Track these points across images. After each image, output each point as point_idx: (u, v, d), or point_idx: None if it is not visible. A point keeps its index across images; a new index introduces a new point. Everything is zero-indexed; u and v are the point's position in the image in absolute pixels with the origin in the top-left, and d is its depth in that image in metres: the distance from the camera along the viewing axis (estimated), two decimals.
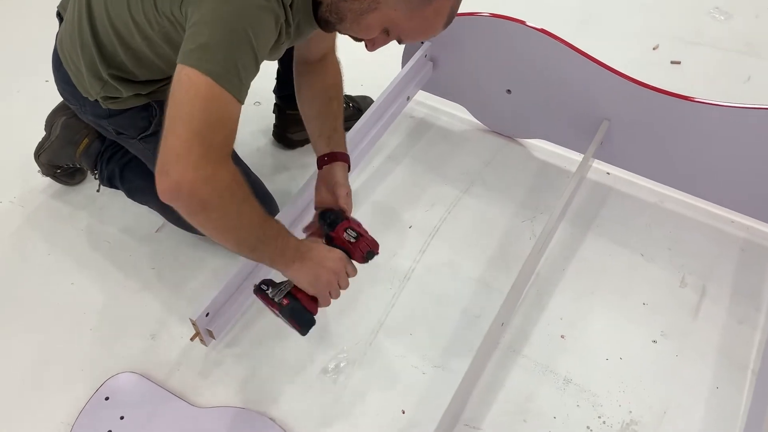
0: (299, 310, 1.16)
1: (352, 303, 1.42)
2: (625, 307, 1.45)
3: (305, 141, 1.75)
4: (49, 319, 1.43)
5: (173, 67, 1.24)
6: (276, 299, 1.15)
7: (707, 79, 1.99)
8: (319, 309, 1.19)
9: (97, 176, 1.57)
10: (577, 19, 2.22)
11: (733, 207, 1.57)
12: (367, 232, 1.26)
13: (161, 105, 1.31)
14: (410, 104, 1.78)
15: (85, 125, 1.52)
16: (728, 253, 1.55)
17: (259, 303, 1.21)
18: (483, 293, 1.47)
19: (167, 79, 1.29)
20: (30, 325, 1.42)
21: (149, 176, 1.45)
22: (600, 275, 1.51)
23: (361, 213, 1.62)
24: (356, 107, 1.78)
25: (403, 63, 1.74)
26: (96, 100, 1.29)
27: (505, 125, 1.79)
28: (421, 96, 1.85)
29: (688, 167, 1.54)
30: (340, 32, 1.13)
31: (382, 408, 1.29)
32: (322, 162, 1.34)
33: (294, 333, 1.18)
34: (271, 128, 1.79)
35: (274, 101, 1.73)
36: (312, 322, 1.18)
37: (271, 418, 1.27)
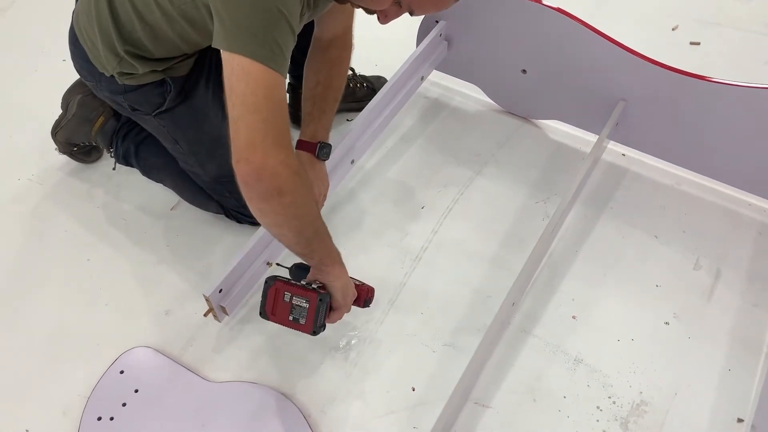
0: (327, 305, 1.17)
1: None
2: (638, 289, 1.44)
3: None
4: (66, 295, 1.46)
5: (190, 44, 1.25)
6: (314, 285, 1.16)
7: (727, 60, 1.95)
8: None
9: (112, 154, 1.58)
10: None
11: (751, 190, 1.54)
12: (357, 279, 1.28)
13: (176, 81, 1.32)
14: (424, 84, 1.78)
15: (101, 103, 1.54)
16: (745, 237, 1.53)
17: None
18: (495, 274, 1.47)
19: (183, 56, 1.30)
20: (47, 300, 1.45)
21: (164, 154, 1.48)
22: (613, 257, 1.50)
23: (373, 193, 1.63)
24: (370, 87, 1.78)
25: (418, 42, 1.73)
26: (112, 76, 1.30)
27: (519, 106, 1.78)
28: (436, 76, 1.84)
29: (704, 149, 1.52)
30: (352, 4, 1.13)
31: (392, 385, 1.30)
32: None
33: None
34: None
35: (288, 81, 1.73)
36: (324, 327, 1.20)
37: (282, 393, 1.28)
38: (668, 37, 2.05)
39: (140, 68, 1.27)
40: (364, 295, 1.27)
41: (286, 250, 1.19)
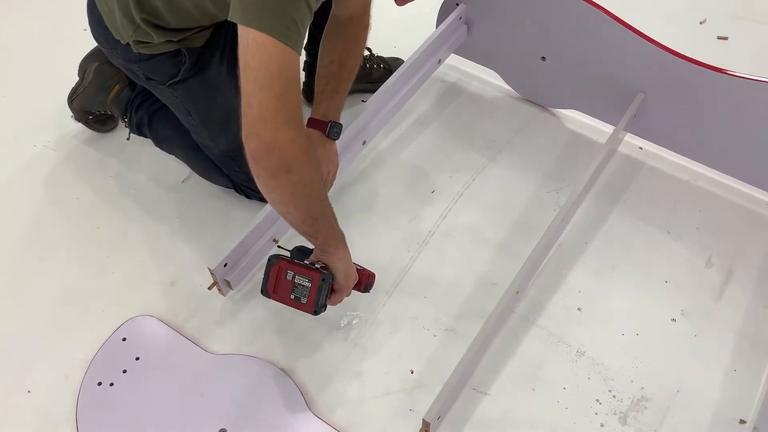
0: (330, 285, 1.17)
1: (369, 264, 1.42)
2: (647, 284, 1.42)
3: None
4: (75, 261, 1.47)
5: (207, 16, 1.25)
6: (317, 266, 1.16)
7: (754, 55, 1.91)
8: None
9: (126, 123, 1.59)
10: None
11: None
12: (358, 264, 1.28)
13: (192, 53, 1.32)
14: (442, 68, 1.76)
15: (117, 72, 1.54)
16: (760, 237, 1.50)
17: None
18: (501, 261, 1.46)
19: (199, 28, 1.30)
20: (55, 266, 1.47)
21: (177, 126, 1.49)
22: (623, 250, 1.48)
23: (384, 175, 1.62)
24: (387, 68, 1.76)
25: (438, 25, 1.71)
26: (127, 44, 1.30)
27: (537, 93, 1.75)
28: (454, 60, 1.82)
29: (724, 145, 1.48)
30: None
31: (390, 367, 1.30)
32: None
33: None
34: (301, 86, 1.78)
35: (305, 58, 1.72)
36: (325, 308, 1.20)
37: (281, 369, 1.29)
38: (696, 31, 2.00)
39: (156, 37, 1.27)
40: (365, 280, 1.27)
41: (292, 230, 1.19)
